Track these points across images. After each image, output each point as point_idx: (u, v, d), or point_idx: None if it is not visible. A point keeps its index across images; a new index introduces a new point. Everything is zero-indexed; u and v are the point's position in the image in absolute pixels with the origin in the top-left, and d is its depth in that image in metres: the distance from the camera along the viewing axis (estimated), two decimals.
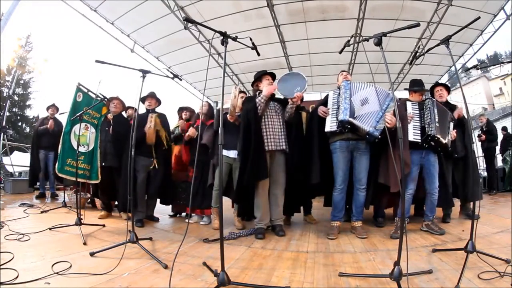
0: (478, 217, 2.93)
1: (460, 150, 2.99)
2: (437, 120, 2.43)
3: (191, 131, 3.19)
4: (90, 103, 3.22)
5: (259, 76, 2.75)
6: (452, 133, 2.57)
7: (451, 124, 2.58)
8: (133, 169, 2.17)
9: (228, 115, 2.55)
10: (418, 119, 2.51)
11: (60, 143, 3.27)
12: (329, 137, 2.59)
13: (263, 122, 2.59)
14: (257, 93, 2.71)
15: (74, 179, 3.02)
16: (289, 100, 2.58)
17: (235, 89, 2.52)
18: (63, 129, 3.35)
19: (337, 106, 2.51)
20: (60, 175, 3.28)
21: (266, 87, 2.54)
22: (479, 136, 5.75)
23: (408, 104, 2.57)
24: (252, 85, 2.84)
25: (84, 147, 3.30)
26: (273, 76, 2.77)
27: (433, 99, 2.67)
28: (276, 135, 2.59)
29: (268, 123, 2.59)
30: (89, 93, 3.36)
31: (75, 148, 3.17)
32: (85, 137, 3.31)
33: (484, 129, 5.76)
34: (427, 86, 3.12)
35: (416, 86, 2.69)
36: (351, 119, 2.39)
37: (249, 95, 2.93)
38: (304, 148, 2.74)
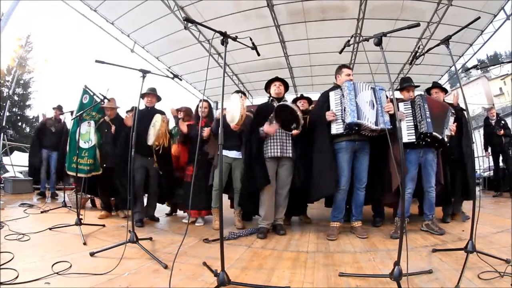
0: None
1: (457, 151, 2.99)
2: (428, 115, 2.41)
3: (207, 133, 3.06)
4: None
5: (268, 83, 2.89)
6: (452, 127, 2.52)
7: (451, 119, 2.53)
8: (132, 168, 2.17)
9: (233, 124, 2.54)
10: (411, 118, 2.51)
11: (68, 142, 3.45)
12: (334, 138, 2.56)
13: None
14: (270, 100, 2.86)
15: (81, 174, 3.20)
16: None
17: (242, 98, 2.51)
18: (70, 129, 3.49)
19: (341, 107, 2.49)
20: (69, 173, 3.47)
21: (268, 126, 2.59)
22: (497, 130, 5.06)
23: (400, 104, 2.56)
24: (265, 90, 2.97)
25: (87, 143, 3.41)
26: (281, 81, 2.85)
27: (423, 94, 2.65)
28: (284, 143, 2.67)
29: (276, 132, 2.67)
30: (94, 96, 3.38)
31: (80, 146, 3.29)
32: (88, 133, 3.43)
33: (502, 123, 5.13)
34: (427, 86, 3.13)
35: (404, 83, 2.71)
36: (359, 121, 2.36)
37: (262, 103, 3.03)
38: (305, 155, 2.76)
